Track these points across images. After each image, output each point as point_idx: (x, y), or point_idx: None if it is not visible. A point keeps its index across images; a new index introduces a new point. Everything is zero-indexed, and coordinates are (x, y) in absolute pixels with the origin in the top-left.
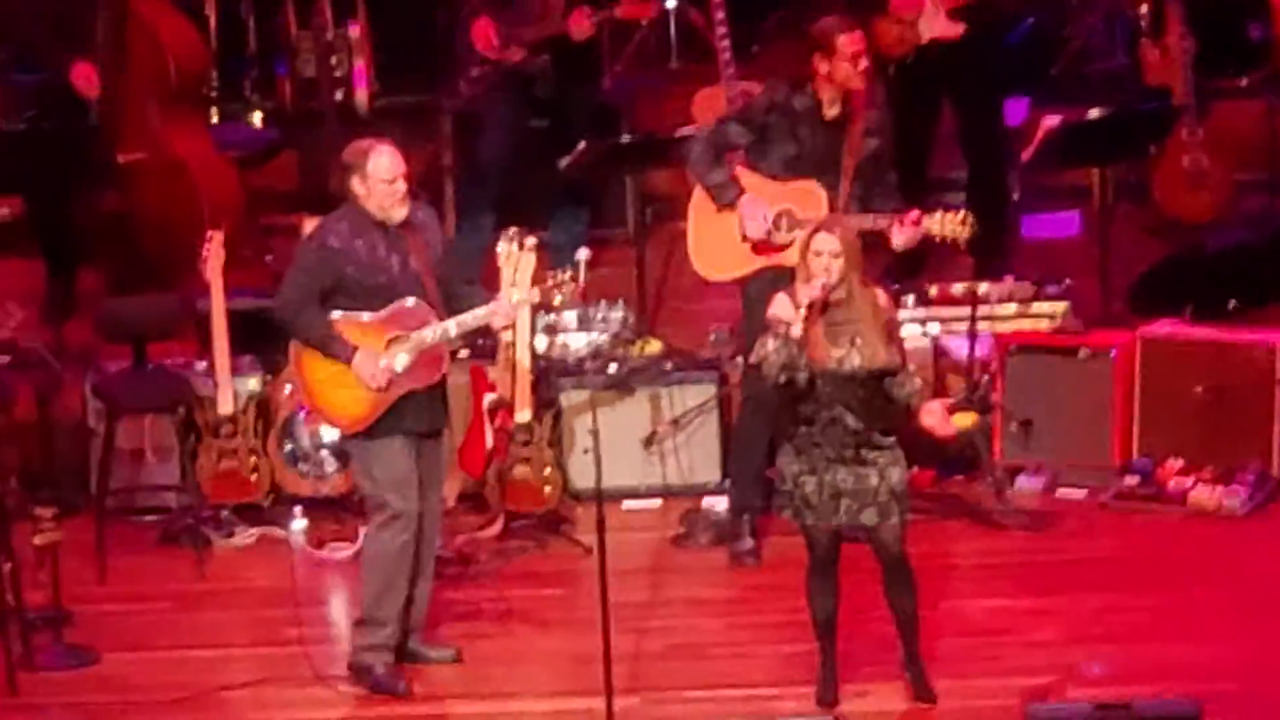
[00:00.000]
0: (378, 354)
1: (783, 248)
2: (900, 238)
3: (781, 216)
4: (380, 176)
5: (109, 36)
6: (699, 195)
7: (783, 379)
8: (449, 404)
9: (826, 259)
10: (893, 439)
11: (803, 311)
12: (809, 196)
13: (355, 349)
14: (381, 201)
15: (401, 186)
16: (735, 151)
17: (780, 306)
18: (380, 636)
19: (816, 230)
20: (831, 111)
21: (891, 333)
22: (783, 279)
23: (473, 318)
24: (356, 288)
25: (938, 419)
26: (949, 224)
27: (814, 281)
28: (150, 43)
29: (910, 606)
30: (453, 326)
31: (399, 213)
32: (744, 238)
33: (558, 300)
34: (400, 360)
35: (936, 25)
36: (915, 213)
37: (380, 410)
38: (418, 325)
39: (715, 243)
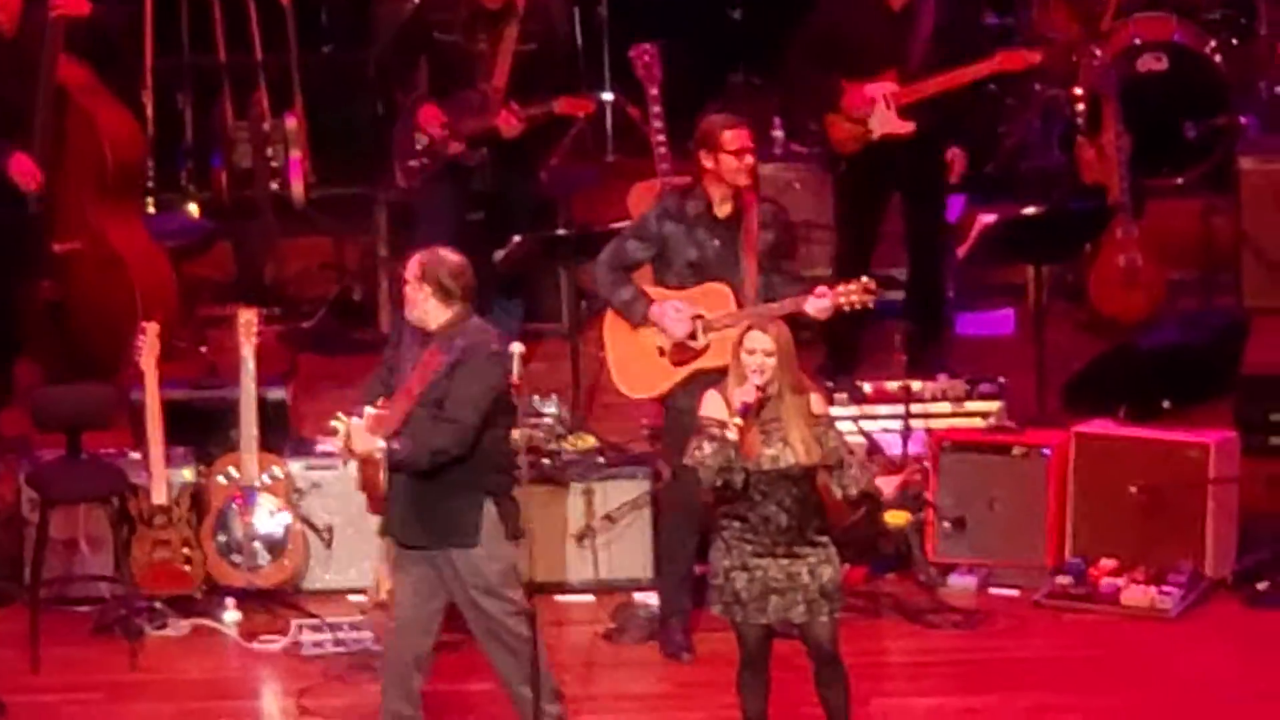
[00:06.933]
0: None
1: (702, 352)
2: (814, 306)
3: (696, 321)
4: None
5: (47, 126)
6: (611, 318)
7: (719, 482)
8: None
9: (760, 357)
10: (825, 537)
11: (737, 419)
12: (716, 297)
13: None
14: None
15: None
16: (639, 268)
17: (711, 406)
18: None
19: (749, 329)
20: (724, 210)
21: (823, 430)
22: (709, 384)
23: None
24: None
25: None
26: (853, 295)
27: (747, 384)
28: (88, 133)
29: (842, 703)
30: None
31: None
32: (661, 351)
33: None
34: None
35: (887, 123)
36: (821, 287)
37: None
38: None
39: (636, 361)
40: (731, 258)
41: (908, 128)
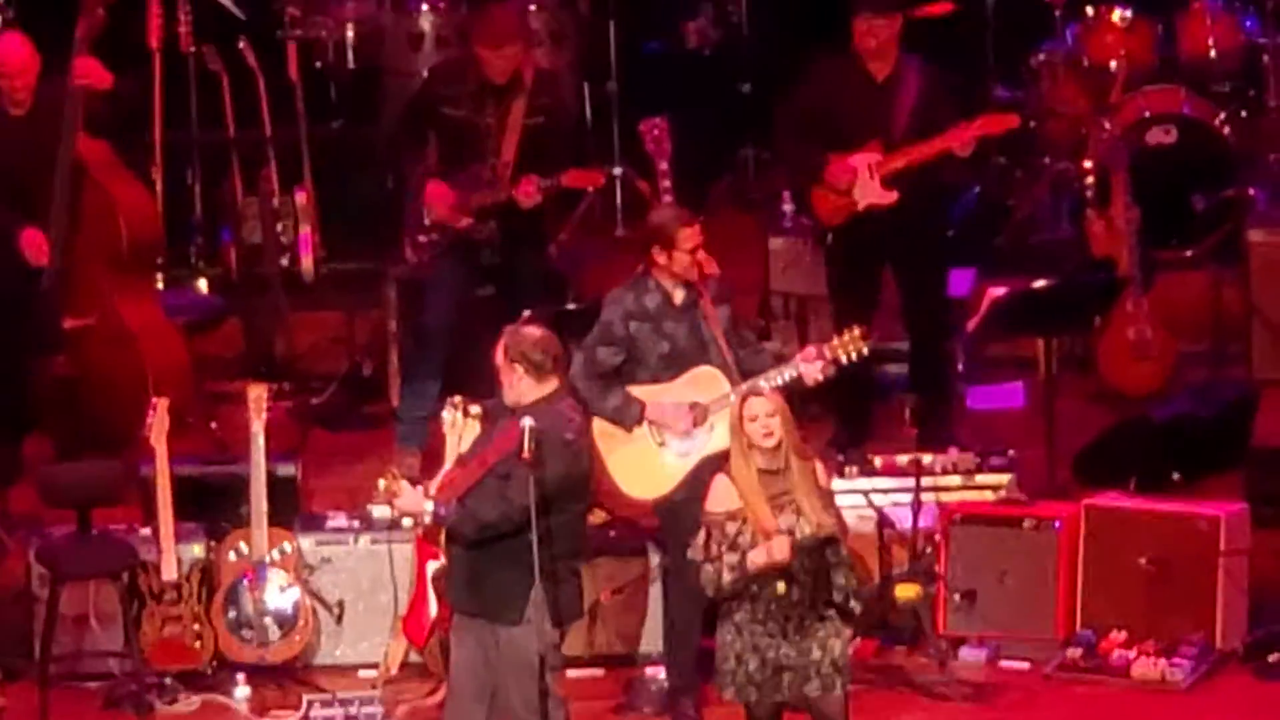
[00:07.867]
0: None
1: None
2: (809, 369)
3: (695, 410)
4: None
5: (64, 201)
6: (600, 427)
7: (734, 589)
8: None
9: (764, 420)
10: (833, 610)
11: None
12: (707, 380)
13: None
14: None
15: None
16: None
17: (721, 497)
18: None
19: (745, 398)
20: (679, 296)
21: (828, 502)
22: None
23: None
24: None
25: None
26: (849, 345)
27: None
28: (106, 209)
29: None
30: None
31: None
32: (663, 444)
33: None
34: None
35: (870, 193)
36: (809, 349)
37: None
38: None
39: (638, 461)
40: (699, 342)
41: (890, 197)
